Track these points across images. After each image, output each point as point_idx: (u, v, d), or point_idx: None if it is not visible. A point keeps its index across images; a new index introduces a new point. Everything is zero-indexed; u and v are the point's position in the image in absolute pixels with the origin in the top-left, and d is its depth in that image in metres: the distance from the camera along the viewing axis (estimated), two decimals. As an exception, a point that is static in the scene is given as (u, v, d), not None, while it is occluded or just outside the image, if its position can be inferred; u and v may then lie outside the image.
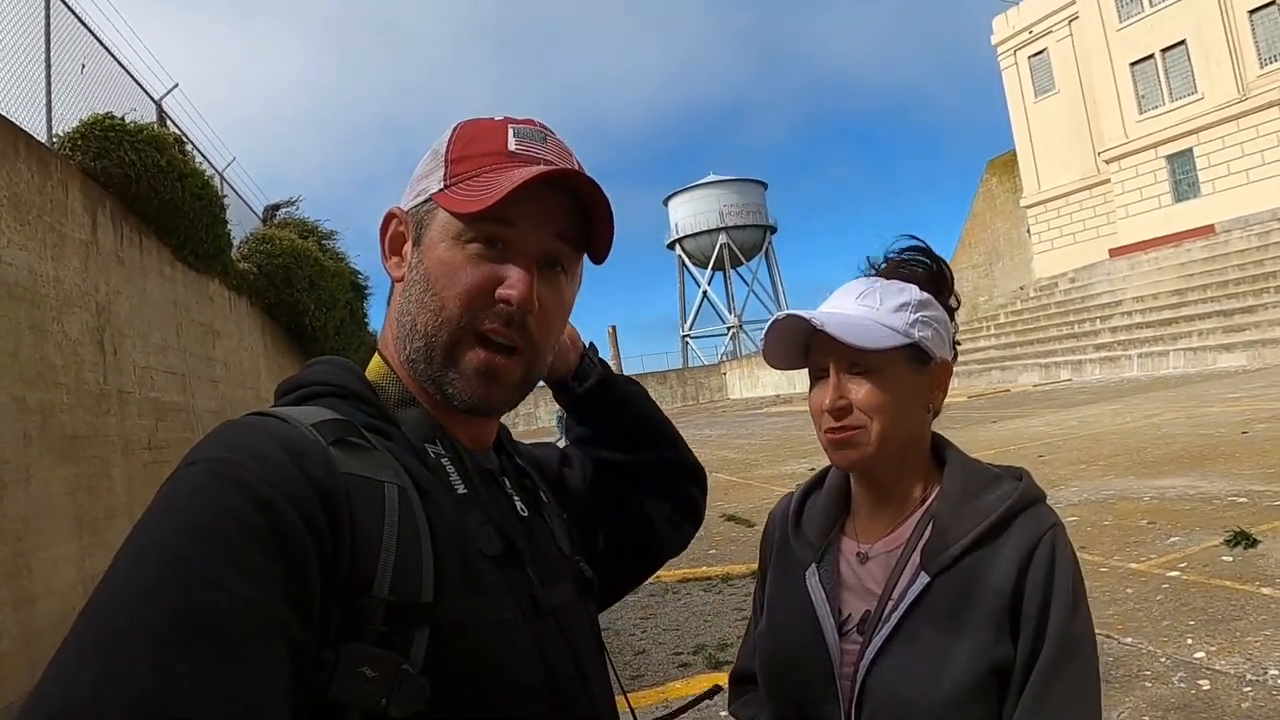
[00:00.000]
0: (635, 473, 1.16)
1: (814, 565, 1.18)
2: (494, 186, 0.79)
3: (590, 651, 0.90)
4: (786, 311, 1.12)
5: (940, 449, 1.20)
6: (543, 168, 0.81)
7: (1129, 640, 4.21)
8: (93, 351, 6.61)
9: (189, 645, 0.55)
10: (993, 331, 33.26)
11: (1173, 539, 5.97)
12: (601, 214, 0.86)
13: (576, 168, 0.88)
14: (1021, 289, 35.48)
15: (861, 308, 1.12)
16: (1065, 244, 34.32)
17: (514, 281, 0.81)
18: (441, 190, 0.83)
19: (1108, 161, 30.92)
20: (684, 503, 1.22)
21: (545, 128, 0.89)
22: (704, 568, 7.09)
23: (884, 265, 1.21)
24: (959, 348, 1.24)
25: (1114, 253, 31.14)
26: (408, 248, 0.87)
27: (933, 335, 1.13)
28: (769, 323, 1.14)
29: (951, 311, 1.20)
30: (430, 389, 0.85)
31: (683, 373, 57.97)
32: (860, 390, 1.10)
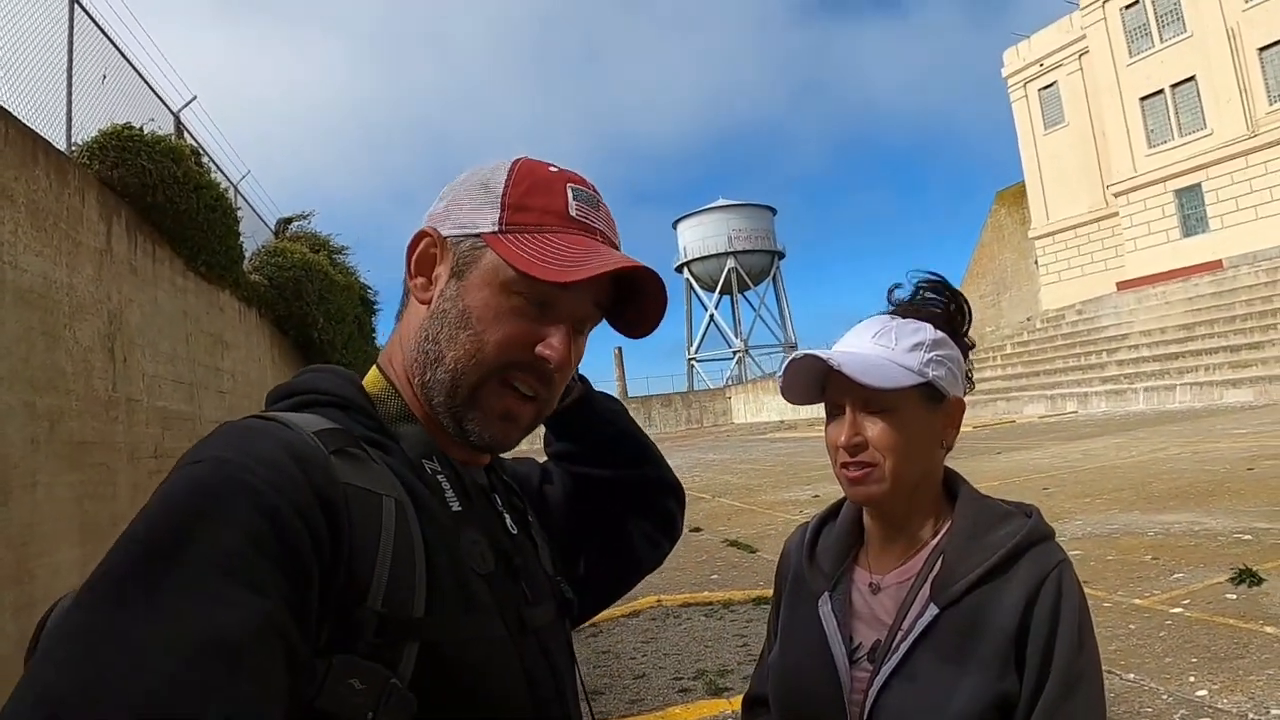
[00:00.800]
0: (614, 489, 1.17)
1: (827, 594, 1.22)
2: (569, 256, 0.81)
3: (567, 671, 0.92)
4: (804, 351, 1.16)
5: (953, 484, 1.23)
6: (624, 261, 0.82)
7: (1131, 676, 4.18)
8: (103, 359, 6.65)
9: (195, 651, 0.55)
10: (999, 362, 33.20)
11: (1177, 575, 5.93)
12: (658, 307, 0.91)
13: (619, 241, 0.91)
14: (1028, 320, 35.48)
15: (877, 347, 1.15)
16: (1073, 276, 34.37)
17: (555, 344, 0.83)
18: (496, 234, 0.83)
19: (1116, 195, 31.01)
20: (662, 519, 1.23)
21: (597, 191, 0.91)
22: (705, 593, 7.06)
23: (900, 305, 1.24)
24: (972, 382, 1.27)
25: (1122, 286, 31.16)
26: (439, 273, 0.87)
27: (946, 374, 1.16)
28: (787, 361, 1.18)
29: (966, 349, 1.23)
30: (446, 421, 0.85)
31: (688, 396, 57.97)
32: (875, 428, 1.13)
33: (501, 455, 1.05)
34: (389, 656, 0.68)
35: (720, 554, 8.76)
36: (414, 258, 0.89)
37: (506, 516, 0.92)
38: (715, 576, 7.77)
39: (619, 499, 1.18)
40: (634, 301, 0.91)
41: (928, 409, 1.15)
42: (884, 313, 1.25)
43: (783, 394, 1.23)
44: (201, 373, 9.32)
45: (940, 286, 1.25)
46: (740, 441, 31.37)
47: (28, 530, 4.98)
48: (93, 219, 6.69)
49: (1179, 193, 28.97)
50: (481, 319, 0.83)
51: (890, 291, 1.27)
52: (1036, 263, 36.27)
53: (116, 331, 6.99)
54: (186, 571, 0.58)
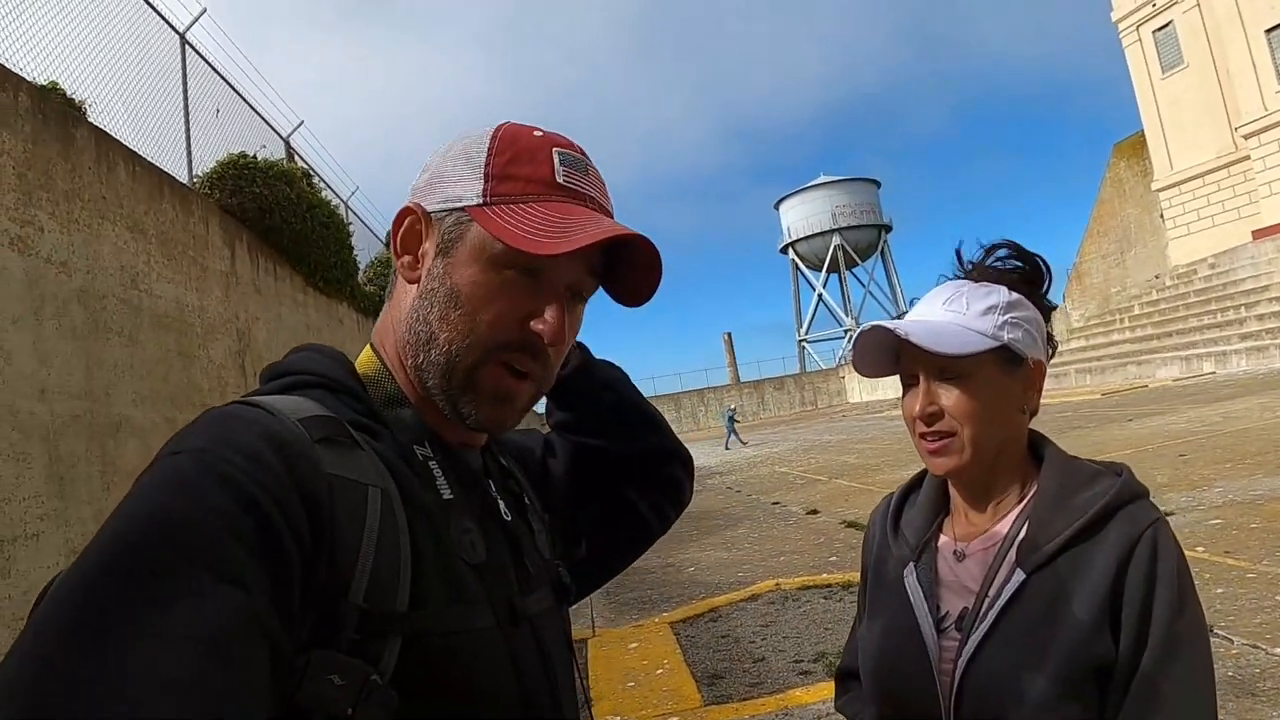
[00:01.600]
0: (616, 457, 1.14)
1: (912, 564, 1.20)
2: (556, 227, 0.78)
3: (562, 659, 0.89)
4: (872, 323, 1.13)
5: (1039, 447, 1.19)
6: (615, 228, 0.79)
7: (1278, 651, 3.94)
8: (235, 374, 7.09)
9: (179, 645, 0.53)
10: (1127, 324, 31.53)
11: (1331, 540, 5.54)
12: (653, 276, 0.87)
13: (610, 205, 0.88)
14: (1157, 278, 33.47)
15: (948, 313, 1.13)
16: (1203, 228, 32.18)
17: (549, 317, 0.80)
18: (481, 206, 0.80)
19: (1246, 137, 28.86)
20: (668, 486, 1.20)
21: (585, 155, 0.87)
22: (825, 575, 7.02)
23: (972, 269, 1.21)
24: (1055, 346, 1.22)
25: (1258, 234, 29.03)
26: (425, 250, 0.84)
27: (1023, 336, 1.12)
28: (856, 334, 1.15)
29: (1047, 310, 1.19)
30: (441, 403, 0.83)
31: (800, 378, 57.41)
32: (950, 396, 1.10)
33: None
34: (370, 651, 0.66)
35: (838, 536, 8.67)
36: (399, 235, 0.86)
37: (501, 502, 0.89)
38: (834, 559, 7.70)
39: (622, 468, 1.14)
40: (630, 268, 0.87)
41: (1006, 373, 1.12)
42: (956, 277, 1.22)
43: (854, 368, 1.21)
44: (324, 383, 9.77)
45: (1012, 246, 1.21)
46: (855, 421, 30.85)
47: (178, 538, 5.35)
48: (217, 244, 7.13)
49: (1319, 129, 26.82)
50: (472, 297, 0.80)
51: (959, 253, 1.23)
52: (1162, 216, 34.10)
53: (245, 348, 7.44)
54: (165, 566, 0.56)
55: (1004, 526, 1.14)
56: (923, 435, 1.14)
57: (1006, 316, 1.12)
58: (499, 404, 0.82)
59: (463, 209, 0.81)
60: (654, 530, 1.20)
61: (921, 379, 1.13)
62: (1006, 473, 1.16)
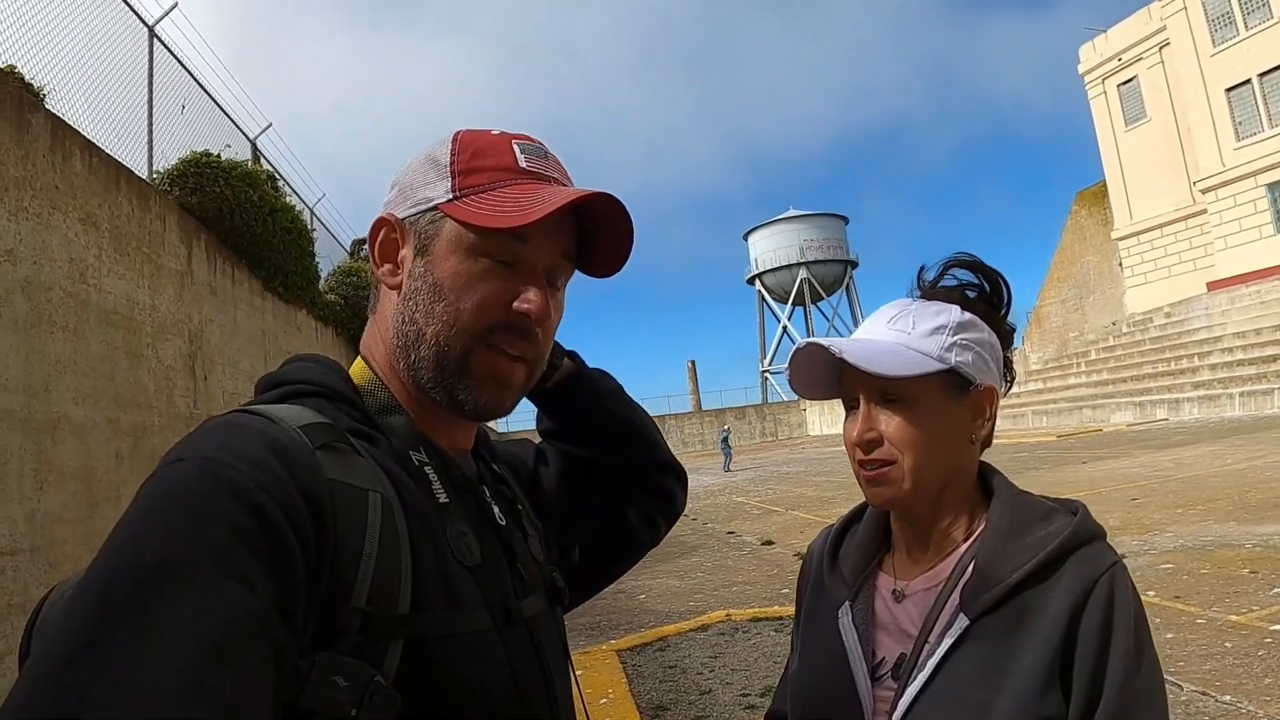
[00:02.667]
0: (607, 468, 1.15)
1: (847, 604, 1.10)
2: (523, 203, 0.80)
3: (557, 662, 0.90)
4: (807, 340, 1.05)
5: (988, 481, 1.10)
6: (582, 190, 0.82)
7: (1227, 699, 3.93)
8: (184, 377, 6.90)
9: (187, 649, 0.54)
10: (1083, 369, 32.09)
11: (1277, 589, 5.58)
12: (623, 234, 0.89)
13: (580, 187, 0.89)
14: (1114, 324, 34.16)
15: (892, 332, 1.05)
16: (1160, 277, 32.94)
17: (531, 296, 0.82)
18: (450, 201, 0.83)
19: (1204, 191, 29.66)
20: (658, 497, 1.20)
21: (543, 144, 0.90)
22: (777, 607, 6.95)
23: (926, 286, 1.13)
24: (1013, 375, 1.14)
25: (1212, 286, 29.78)
26: (404, 255, 0.86)
27: (974, 359, 1.04)
28: (791, 351, 1.07)
29: (1006, 334, 1.11)
30: (438, 395, 0.84)
31: (762, 408, 57.49)
32: (891, 422, 1.02)
33: (493, 441, 1.05)
34: (373, 654, 0.67)
35: (792, 568, 8.61)
36: (376, 246, 0.88)
37: (494, 506, 0.90)
38: (786, 590, 7.62)
39: (613, 478, 1.15)
40: (601, 240, 0.89)
41: (952, 399, 1.03)
42: (909, 296, 1.14)
43: (792, 388, 1.12)
44: (279, 390, 9.58)
45: (973, 264, 1.12)
46: (815, 453, 30.95)
47: (112, 543, 5.16)
48: (173, 242, 6.95)
49: (1271, 186, 27.53)
50: (453, 288, 0.82)
51: (919, 274, 1.14)
52: (1121, 264, 34.87)
53: (197, 350, 7.25)
54: (173, 570, 0.57)
55: (948, 566, 1.04)
56: (861, 463, 1.04)
57: (956, 338, 1.03)
58: (496, 387, 0.84)
59: (434, 207, 0.84)
60: (642, 541, 1.19)
61: (861, 403, 1.04)
62: (952, 507, 1.07)
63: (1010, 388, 1.13)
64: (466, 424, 0.92)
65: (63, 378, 4.96)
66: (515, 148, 0.86)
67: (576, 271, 0.92)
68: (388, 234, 0.88)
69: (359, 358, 0.91)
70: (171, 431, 6.41)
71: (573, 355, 1.14)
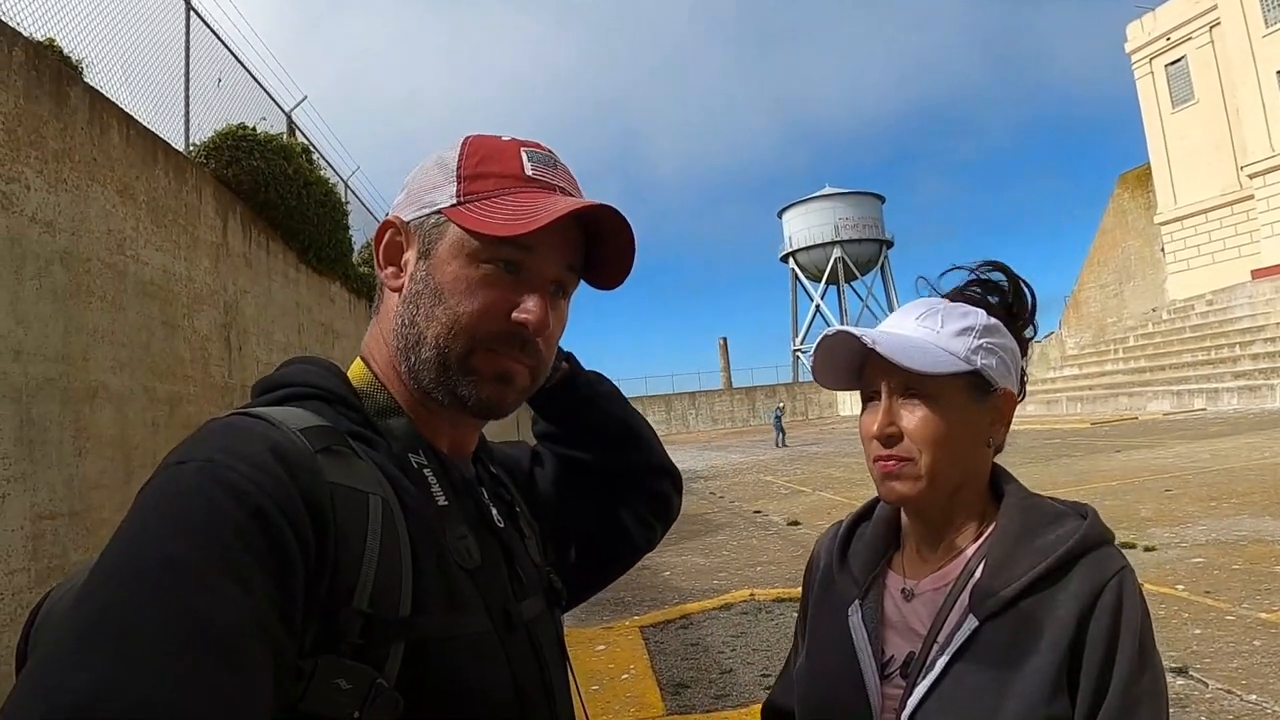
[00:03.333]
0: (602, 471, 1.15)
1: (857, 602, 1.12)
2: (525, 211, 0.80)
3: (555, 663, 0.90)
4: (838, 327, 1.05)
5: (999, 485, 1.11)
6: (581, 201, 0.83)
7: (1252, 698, 3.89)
8: (219, 347, 7.00)
9: (187, 651, 0.55)
10: (1121, 355, 31.58)
11: (1311, 586, 5.50)
12: (624, 246, 0.89)
13: (581, 194, 0.90)
14: (1154, 311, 33.54)
15: (921, 329, 1.05)
16: (1203, 264, 32.25)
17: (530, 307, 0.83)
18: (455, 206, 0.83)
19: (1251, 176, 28.93)
20: (654, 501, 1.20)
21: (552, 152, 0.90)
22: (800, 589, 6.93)
23: (952, 290, 1.14)
24: (1025, 386, 1.15)
25: (1257, 274, 29.10)
26: (408, 258, 0.87)
27: (997, 364, 1.05)
28: (819, 338, 1.07)
29: (1025, 342, 1.12)
30: (441, 395, 0.84)
31: (792, 387, 57.33)
32: (913, 418, 1.02)
33: (490, 444, 1.05)
34: (375, 656, 0.68)
35: (816, 549, 8.60)
36: (381, 248, 0.89)
37: (493, 509, 0.91)
38: (810, 572, 7.62)
39: (608, 482, 1.16)
40: (606, 251, 0.89)
41: (974, 400, 1.04)
42: (935, 293, 1.15)
43: (814, 376, 1.13)
44: (312, 361, 9.69)
45: (999, 271, 1.14)
46: (845, 434, 30.83)
47: (147, 509, 5.27)
48: (209, 215, 7.03)
49: (1324, 173, 26.86)
50: (454, 292, 0.82)
51: (942, 277, 1.16)
52: (1163, 250, 34.18)
53: (232, 321, 7.35)
54: (174, 572, 0.58)
55: (957, 567, 1.05)
56: (878, 458, 1.05)
57: (982, 341, 1.05)
58: (500, 384, 0.85)
59: (438, 211, 0.84)
60: (638, 544, 1.20)
61: (884, 396, 1.05)
62: (964, 508, 1.08)
63: (1023, 398, 1.13)
64: (468, 426, 0.92)
65: (100, 347, 5.06)
66: (523, 155, 0.86)
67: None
68: (393, 236, 0.88)
69: (358, 359, 0.91)
70: (207, 401, 6.53)
71: (570, 357, 1.14)
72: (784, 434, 29.66)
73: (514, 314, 0.83)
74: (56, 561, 4.41)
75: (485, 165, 0.85)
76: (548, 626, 0.92)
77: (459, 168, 0.85)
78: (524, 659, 0.82)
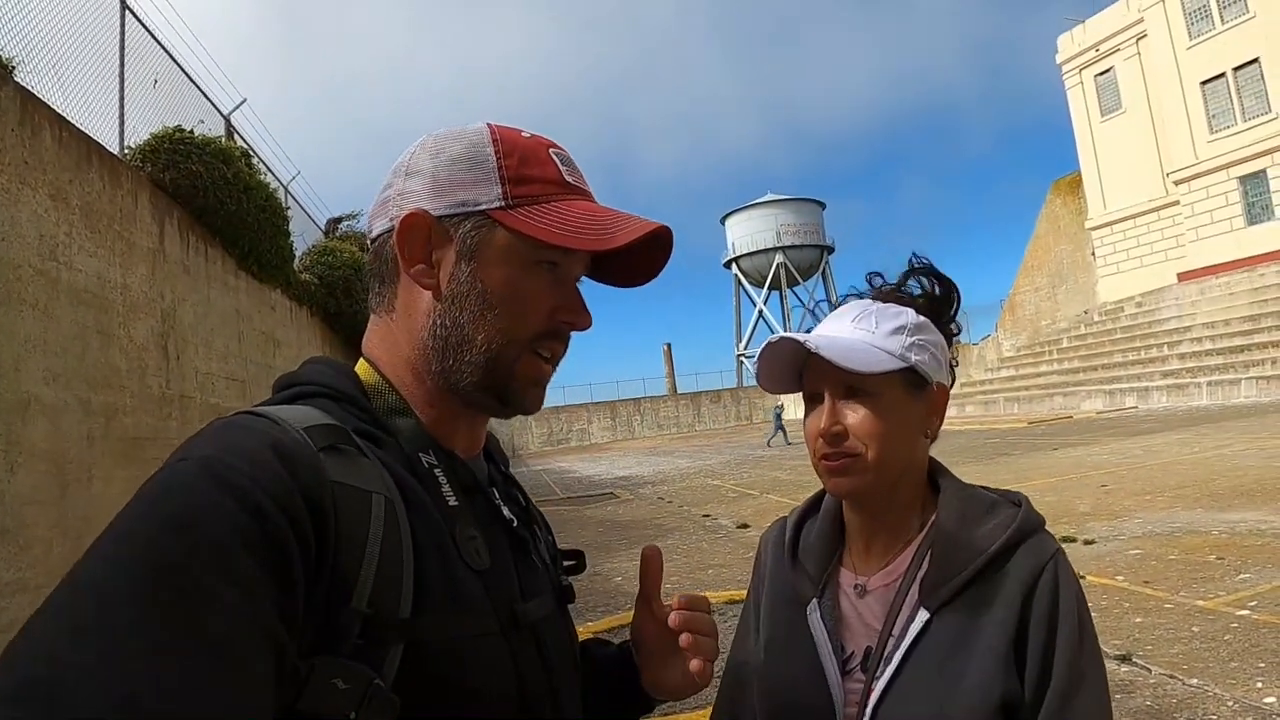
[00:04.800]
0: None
1: (815, 601, 1.15)
2: (594, 223, 0.83)
3: (564, 663, 0.90)
4: (781, 334, 1.10)
5: (935, 475, 1.17)
6: (653, 224, 0.86)
7: (1194, 682, 4.02)
8: (157, 357, 6.80)
9: (183, 648, 0.54)
10: (1055, 356, 32.47)
11: (1243, 575, 5.72)
12: (657, 256, 0.92)
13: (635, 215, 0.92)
14: (1086, 313, 34.57)
15: (857, 331, 1.11)
16: (1132, 267, 33.36)
17: (579, 307, 0.88)
18: (504, 209, 0.82)
19: (1177, 183, 30.05)
20: None
21: (567, 151, 0.91)
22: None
23: (882, 289, 1.20)
24: (955, 375, 1.21)
25: (1183, 277, 30.22)
26: (440, 256, 0.84)
27: (929, 359, 1.11)
28: (762, 345, 1.12)
29: (950, 336, 1.19)
30: (479, 396, 0.86)
31: (736, 392, 57.70)
32: (856, 416, 1.08)
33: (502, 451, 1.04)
34: (373, 656, 0.67)
35: (767, 551, 8.66)
36: (408, 243, 0.84)
37: (504, 509, 0.90)
38: (761, 573, 7.67)
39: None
40: (627, 253, 0.89)
41: (910, 395, 1.10)
42: (865, 296, 1.21)
43: (758, 381, 1.18)
44: (254, 370, 9.48)
45: (926, 270, 1.20)
46: (789, 438, 31.16)
47: (84, 523, 5.10)
48: (145, 220, 6.84)
49: (1243, 179, 27.94)
50: (506, 297, 0.83)
51: (871, 277, 1.23)
52: (1094, 254, 35.27)
53: (170, 330, 7.14)
54: (172, 570, 0.57)
55: (904, 561, 1.11)
56: (824, 456, 1.09)
57: (914, 338, 1.10)
58: (535, 388, 0.88)
59: (482, 212, 0.83)
60: None
61: (827, 397, 1.10)
62: (905, 499, 1.14)
63: (953, 385, 1.20)
64: (481, 423, 0.92)
65: (32, 357, 4.87)
66: (554, 158, 0.87)
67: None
68: (423, 232, 0.84)
69: (361, 359, 0.90)
70: (144, 412, 6.33)
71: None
72: (785, 432, 29.28)
73: (565, 315, 0.87)
74: (-13, 580, 4.23)
75: (526, 168, 0.85)
76: (557, 627, 0.91)
77: (501, 168, 0.84)
78: (529, 660, 0.82)
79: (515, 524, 0.90)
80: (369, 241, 0.90)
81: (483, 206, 0.83)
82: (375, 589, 0.68)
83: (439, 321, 0.84)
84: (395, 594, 0.70)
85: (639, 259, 0.92)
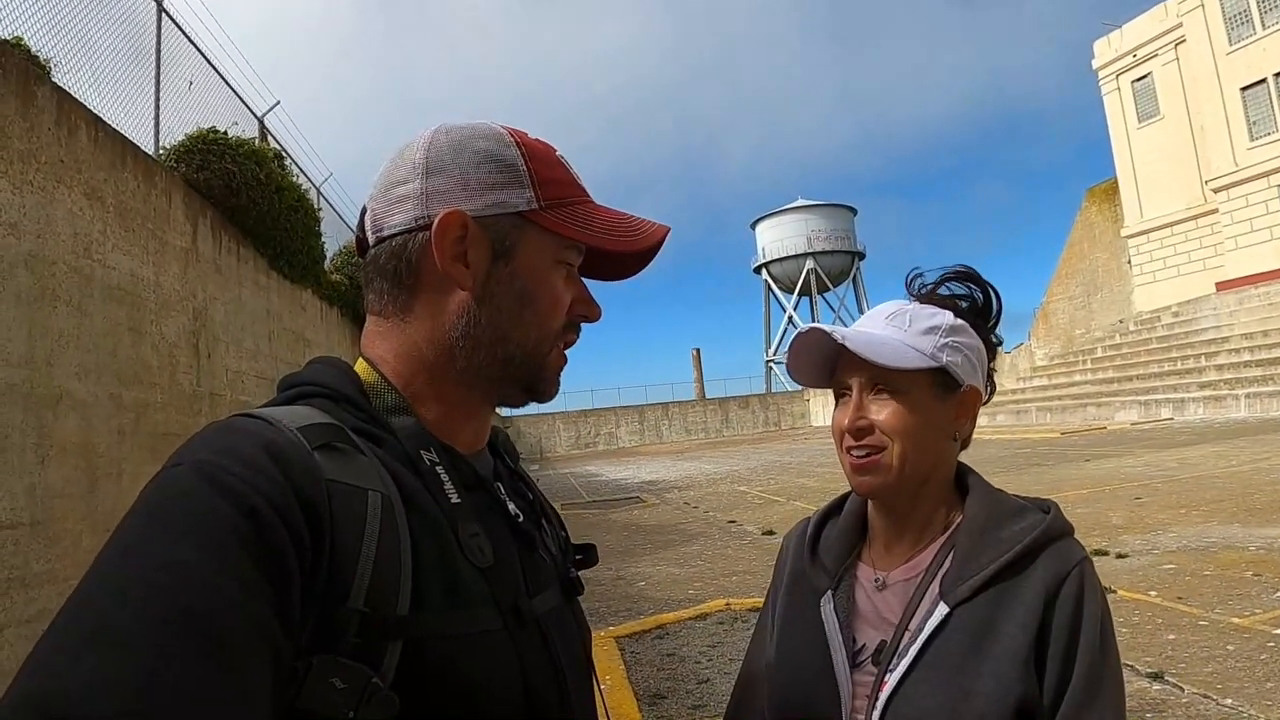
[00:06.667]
0: None
1: (829, 593, 1.15)
2: (621, 225, 0.90)
3: (573, 658, 0.89)
4: (811, 325, 1.10)
5: (964, 478, 1.17)
6: (665, 226, 0.92)
7: (1228, 702, 3.91)
8: (188, 354, 6.89)
9: (185, 651, 0.55)
10: (1089, 365, 32.00)
11: (1280, 592, 5.57)
12: (646, 260, 0.97)
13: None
14: (1121, 322, 34.04)
15: (890, 328, 1.12)
16: (1168, 276, 32.80)
17: (591, 299, 0.92)
18: (538, 210, 0.86)
19: (1216, 190, 29.49)
20: None
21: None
22: (775, 595, 6.92)
23: (922, 292, 1.21)
24: (994, 385, 1.21)
25: (1221, 286, 29.65)
26: (475, 257, 0.84)
27: (962, 361, 1.11)
28: (793, 336, 1.12)
29: (992, 345, 1.18)
30: (506, 389, 0.89)
31: (765, 398, 57.43)
32: (883, 411, 1.08)
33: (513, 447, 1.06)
34: (371, 655, 0.67)
35: (792, 558, 8.59)
36: (448, 242, 0.83)
37: (510, 505, 0.90)
38: (786, 580, 7.61)
39: None
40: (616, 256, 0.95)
41: (940, 397, 1.10)
42: (907, 297, 1.21)
43: (789, 373, 1.19)
44: (284, 369, 9.55)
45: (968, 277, 1.20)
46: (818, 444, 30.96)
47: (112, 517, 5.15)
48: (179, 219, 6.93)
49: (1285, 188, 27.43)
50: (540, 296, 0.87)
51: (911, 280, 1.23)
52: (1130, 262, 34.71)
53: (201, 328, 7.23)
54: (168, 573, 0.58)
55: (926, 557, 1.11)
56: (849, 450, 1.10)
57: (948, 339, 1.11)
58: (558, 377, 0.92)
59: (517, 214, 0.85)
60: None
61: (854, 391, 1.11)
62: (931, 500, 1.13)
63: (991, 398, 1.20)
64: (487, 421, 0.94)
65: (65, 352, 4.95)
66: (563, 161, 0.91)
67: None
68: (460, 231, 0.83)
69: (360, 358, 0.90)
70: (174, 409, 6.41)
71: None
72: None
73: (581, 306, 0.91)
74: (17, 573, 4.29)
75: (549, 170, 0.88)
76: (566, 620, 0.91)
77: (530, 171, 0.86)
78: (535, 656, 0.81)
79: (520, 519, 0.90)
80: (371, 237, 0.87)
81: (520, 208, 0.85)
82: (372, 587, 0.69)
83: (474, 320, 0.85)
84: (393, 592, 0.70)
85: (630, 257, 0.96)
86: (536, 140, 0.90)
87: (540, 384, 0.90)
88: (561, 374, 0.93)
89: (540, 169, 0.87)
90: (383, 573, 0.70)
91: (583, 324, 0.93)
